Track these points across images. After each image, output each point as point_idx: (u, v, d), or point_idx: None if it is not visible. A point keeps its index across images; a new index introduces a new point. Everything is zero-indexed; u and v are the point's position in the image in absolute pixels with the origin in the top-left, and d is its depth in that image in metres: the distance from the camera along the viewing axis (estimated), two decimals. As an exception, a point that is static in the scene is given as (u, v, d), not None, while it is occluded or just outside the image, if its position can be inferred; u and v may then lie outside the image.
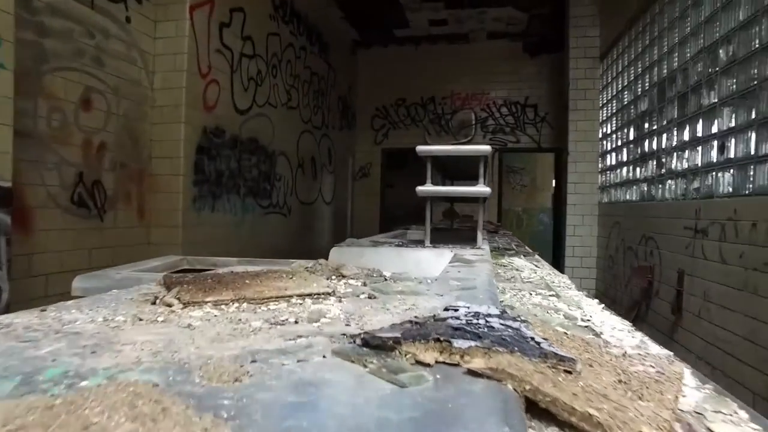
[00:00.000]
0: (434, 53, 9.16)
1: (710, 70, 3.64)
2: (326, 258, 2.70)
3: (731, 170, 3.33)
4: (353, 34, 8.86)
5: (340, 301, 1.07)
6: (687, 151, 4.00)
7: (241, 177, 5.29)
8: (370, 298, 1.12)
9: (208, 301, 0.98)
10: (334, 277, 1.41)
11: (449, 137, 9.18)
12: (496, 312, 0.82)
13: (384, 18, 8.02)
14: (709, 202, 3.60)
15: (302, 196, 6.94)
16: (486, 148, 2.76)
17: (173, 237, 4.19)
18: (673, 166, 4.27)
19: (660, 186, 4.54)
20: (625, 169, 5.59)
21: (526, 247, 3.72)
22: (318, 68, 7.46)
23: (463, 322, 0.75)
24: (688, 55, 4.00)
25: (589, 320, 1.12)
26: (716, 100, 3.55)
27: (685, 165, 4.03)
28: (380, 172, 9.43)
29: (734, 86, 3.34)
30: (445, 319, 0.76)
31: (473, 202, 4.89)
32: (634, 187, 5.22)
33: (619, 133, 5.90)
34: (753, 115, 3.11)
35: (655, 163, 4.67)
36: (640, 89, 5.15)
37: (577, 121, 6.70)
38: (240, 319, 0.87)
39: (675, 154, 4.22)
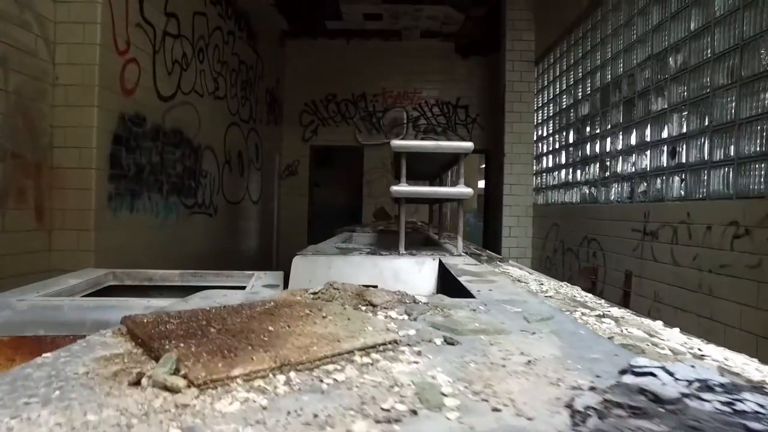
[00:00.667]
0: (366, 49, 8.89)
1: (659, 77, 3.73)
2: (280, 268, 2.31)
3: (684, 174, 3.41)
4: (282, 24, 8.33)
5: (419, 354, 0.75)
6: (634, 155, 4.09)
7: (164, 173, 4.64)
8: (449, 343, 0.82)
9: (237, 376, 0.61)
10: (362, 306, 1.07)
11: (380, 136, 8.96)
12: (720, 380, 0.56)
13: (317, 8, 7.61)
14: (659, 205, 3.68)
15: (229, 194, 6.34)
16: (468, 144, 2.53)
17: (84, 242, 3.51)
18: (619, 170, 4.35)
19: (604, 189, 4.64)
20: (563, 171, 5.70)
21: (486, 250, 3.57)
22: (246, 57, 6.87)
23: (729, 410, 0.47)
24: (635, 61, 4.09)
25: (716, 360, 0.89)
26: (666, 107, 3.63)
27: (632, 169, 4.11)
28: (308, 170, 8.97)
29: (685, 93, 3.42)
30: (682, 409, 0.48)
31: (427, 203, 4.68)
32: (575, 189, 5.33)
33: (557, 136, 6.03)
34: (706, 122, 3.18)
35: (598, 166, 4.76)
36: (580, 94, 5.26)
37: (512, 123, 6.78)
38: (314, 414, 0.53)
39: (621, 157, 4.31)
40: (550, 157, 6.24)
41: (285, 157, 8.92)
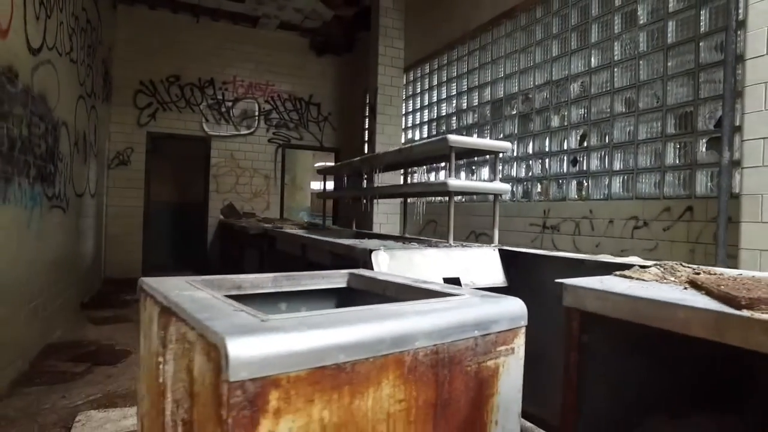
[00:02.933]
0: (217, 30, 8.19)
1: (559, 99, 4.63)
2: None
3: (587, 180, 4.35)
4: (116, -19, 7.04)
5: None
6: (531, 161, 4.95)
7: (31, 152, 3.58)
8: None
9: None
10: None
11: (230, 127, 8.37)
12: None
13: (170, -27, 6.70)
14: (561, 204, 4.58)
15: (77, 185, 5.13)
16: (507, 144, 2.83)
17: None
18: (513, 174, 5.19)
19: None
20: (443, 172, 6.40)
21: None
22: (92, 14, 5.63)
23: None
24: (532, 83, 4.95)
25: None
26: (566, 124, 4.55)
27: (530, 173, 4.97)
28: (144, 160, 7.77)
29: (585, 114, 4.37)
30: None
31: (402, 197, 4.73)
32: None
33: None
34: (607, 140, 4.15)
35: (453, 161, 5.58)
36: (465, 104, 6.01)
37: (384, 125, 7.21)
38: None
39: (515, 162, 5.15)
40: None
41: (115, 143, 7.52)
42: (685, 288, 1.12)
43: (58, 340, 4.16)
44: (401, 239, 3.17)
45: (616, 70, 4.10)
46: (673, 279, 1.24)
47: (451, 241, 2.69)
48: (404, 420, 1.04)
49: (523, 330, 1.28)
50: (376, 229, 6.78)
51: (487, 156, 5.03)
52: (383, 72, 7.19)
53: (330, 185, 5.37)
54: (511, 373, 1.25)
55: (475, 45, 5.88)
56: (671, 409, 1.20)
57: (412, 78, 7.33)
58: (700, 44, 3.42)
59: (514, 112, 5.26)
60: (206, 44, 8.11)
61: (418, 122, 7.20)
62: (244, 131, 8.47)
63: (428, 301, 1.25)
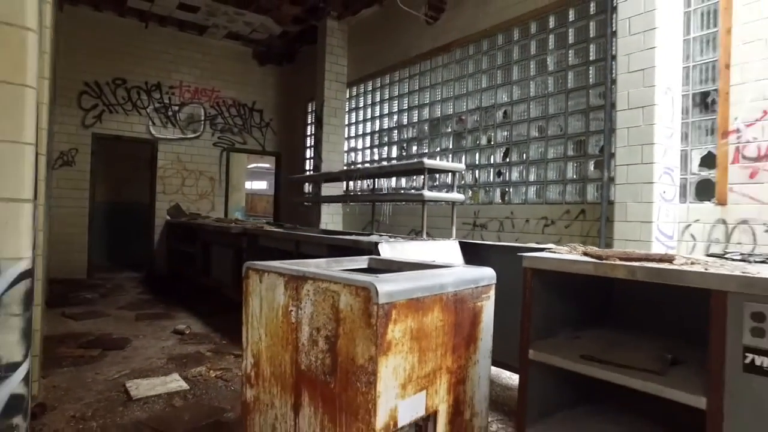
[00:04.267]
0: (163, 36, 8.51)
1: (488, 122, 5.80)
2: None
3: (509, 188, 5.54)
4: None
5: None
6: (463, 172, 6.07)
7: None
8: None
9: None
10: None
11: (177, 130, 8.72)
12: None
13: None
14: (488, 206, 5.74)
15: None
16: (462, 166, 3.85)
17: None
18: (449, 181, 6.29)
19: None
20: (385, 179, 7.37)
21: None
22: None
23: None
24: (465, 107, 6.08)
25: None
26: (493, 143, 5.72)
27: (462, 181, 6.10)
28: (89, 161, 7.92)
29: (507, 136, 5.56)
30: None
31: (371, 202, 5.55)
32: (402, 191, 7.07)
33: (376, 150, 7.65)
34: (524, 157, 5.36)
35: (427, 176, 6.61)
36: (406, 120, 7.03)
37: (329, 134, 8.05)
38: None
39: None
40: (369, 165, 7.83)
41: (58, 144, 7.61)
42: (581, 255, 2.14)
43: (51, 333, 4.55)
44: (375, 235, 4.08)
45: (531, 103, 5.32)
46: (575, 252, 2.27)
47: (425, 236, 3.66)
48: (442, 329, 1.97)
49: (494, 286, 2.26)
50: (322, 227, 7.60)
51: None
52: (329, 86, 8.02)
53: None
54: (488, 310, 2.23)
55: (415, 70, 6.92)
56: (575, 323, 2.24)
57: (355, 93, 8.23)
58: (590, 92, 4.70)
59: (449, 131, 6.37)
60: (153, 48, 8.40)
61: (361, 133, 8.11)
62: (190, 135, 8.85)
63: (445, 269, 2.20)
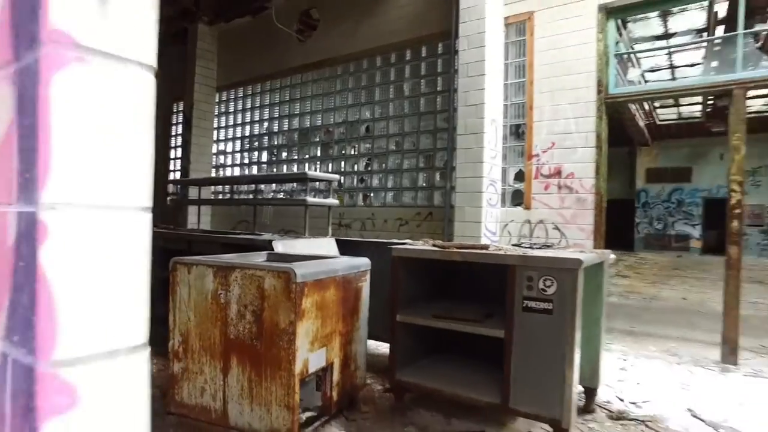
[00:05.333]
0: None
1: (353, 135, 6.66)
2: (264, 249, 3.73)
3: (370, 193, 6.46)
4: None
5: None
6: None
7: None
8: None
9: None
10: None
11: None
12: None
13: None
14: (352, 209, 6.60)
15: None
16: (337, 176, 4.63)
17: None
18: (317, 185, 7.02)
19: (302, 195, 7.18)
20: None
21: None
22: None
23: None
24: (332, 120, 6.87)
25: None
26: (357, 153, 6.61)
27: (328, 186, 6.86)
28: None
29: (370, 148, 6.49)
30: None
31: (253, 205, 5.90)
32: (272, 194, 7.59)
33: (246, 153, 8.03)
34: (383, 166, 6.34)
35: (309, 185, 7.26)
36: (276, 128, 7.57)
37: (199, 137, 8.19)
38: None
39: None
40: (237, 168, 8.17)
41: None
42: (431, 246, 3.04)
43: None
44: (267, 234, 4.64)
45: (390, 121, 6.31)
46: (427, 245, 3.17)
47: (307, 234, 4.33)
48: (336, 302, 2.71)
49: (369, 271, 3.07)
50: (190, 227, 7.76)
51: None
52: (198, 89, 8.19)
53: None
54: (365, 289, 3.03)
55: (286, 82, 7.50)
56: (427, 296, 3.14)
57: (225, 98, 8.49)
58: (437, 116, 5.83)
59: (318, 140, 7.10)
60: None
61: (231, 137, 8.41)
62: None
63: (336, 258, 2.94)
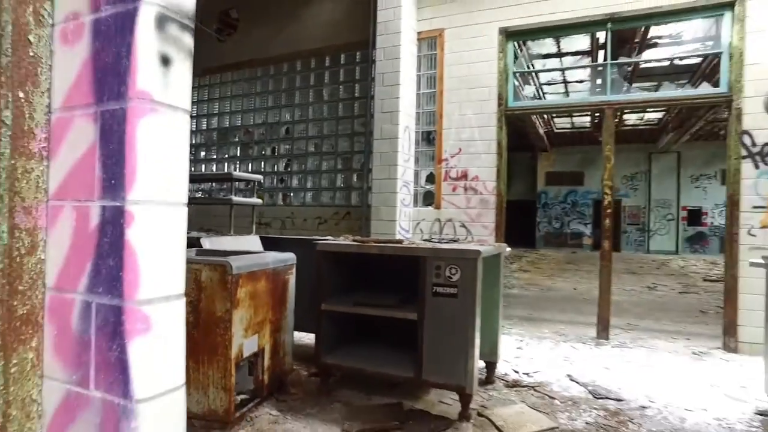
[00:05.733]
0: None
1: (273, 136, 6.84)
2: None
3: (290, 193, 6.69)
4: None
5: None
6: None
7: None
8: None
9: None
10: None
11: None
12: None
13: None
14: (273, 208, 6.78)
15: None
16: (260, 177, 4.83)
17: None
18: (236, 185, 7.10)
19: (222, 194, 7.23)
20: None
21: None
22: None
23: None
24: (252, 121, 6.99)
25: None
26: (277, 154, 6.80)
27: (248, 186, 6.99)
28: None
29: (289, 149, 6.72)
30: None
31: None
32: (198, 194, 7.52)
33: (160, 152, 7.88)
34: (303, 167, 6.60)
35: (234, 184, 7.30)
36: (194, 126, 7.53)
37: (106, 132, 7.89)
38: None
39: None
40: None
41: None
42: (351, 241, 3.39)
43: None
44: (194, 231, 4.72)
45: (310, 124, 6.57)
46: (347, 240, 3.51)
47: (232, 232, 4.49)
48: (267, 293, 2.98)
49: (295, 265, 3.35)
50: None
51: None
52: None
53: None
54: (292, 281, 3.31)
55: (204, 81, 7.48)
56: (349, 286, 3.48)
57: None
58: (355, 121, 6.19)
59: (237, 140, 7.18)
60: None
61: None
62: None
63: (266, 253, 3.19)
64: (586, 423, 2.82)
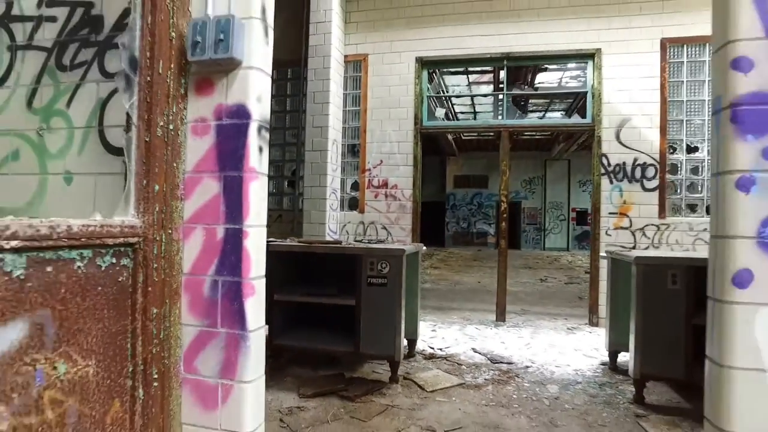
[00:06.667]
0: None
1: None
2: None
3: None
4: None
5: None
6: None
7: None
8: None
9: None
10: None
11: None
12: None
13: None
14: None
15: None
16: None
17: None
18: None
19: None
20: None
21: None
22: None
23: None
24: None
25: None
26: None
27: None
28: None
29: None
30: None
31: None
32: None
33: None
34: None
35: None
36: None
37: None
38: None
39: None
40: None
41: None
42: (297, 242, 4.07)
43: None
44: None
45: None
46: (293, 241, 4.19)
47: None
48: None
49: (251, 263, 3.99)
50: None
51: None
52: None
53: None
54: (249, 277, 3.94)
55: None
56: (296, 280, 4.14)
57: None
58: (286, 132, 6.82)
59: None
60: None
61: None
62: None
63: (226, 254, 3.79)
64: (485, 379, 3.77)
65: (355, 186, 6.53)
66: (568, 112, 12.33)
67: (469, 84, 11.46)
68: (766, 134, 1.15)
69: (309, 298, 3.83)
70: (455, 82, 11.57)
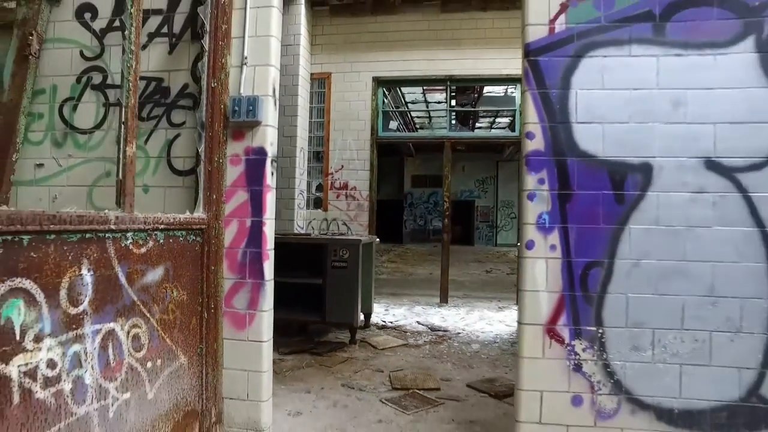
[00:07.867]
0: None
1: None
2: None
3: (199, 197, 8.06)
4: None
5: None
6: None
7: None
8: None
9: None
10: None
11: None
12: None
13: None
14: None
15: None
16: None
17: None
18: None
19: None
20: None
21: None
22: None
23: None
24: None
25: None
26: (186, 163, 8.11)
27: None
28: None
29: (197, 159, 8.08)
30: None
31: None
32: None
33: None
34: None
35: None
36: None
37: None
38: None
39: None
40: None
41: None
42: (276, 235, 5.12)
43: None
44: None
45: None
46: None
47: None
48: (223, 270, 4.61)
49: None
50: None
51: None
52: None
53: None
54: (235, 263, 4.96)
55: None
56: (284, 267, 5.18)
57: None
58: (257, 139, 7.78)
59: (147, 149, 8.30)
60: None
61: None
62: None
63: (218, 244, 4.80)
64: (424, 341, 4.92)
65: (320, 188, 7.56)
66: (513, 122, 13.81)
67: (424, 92, 12.67)
68: (539, 172, 2.30)
69: (285, 278, 4.87)
70: (411, 91, 12.76)
